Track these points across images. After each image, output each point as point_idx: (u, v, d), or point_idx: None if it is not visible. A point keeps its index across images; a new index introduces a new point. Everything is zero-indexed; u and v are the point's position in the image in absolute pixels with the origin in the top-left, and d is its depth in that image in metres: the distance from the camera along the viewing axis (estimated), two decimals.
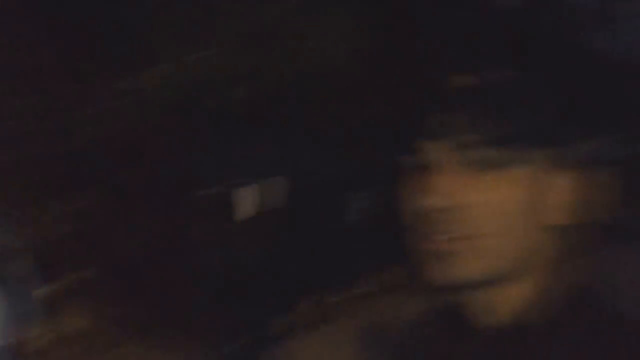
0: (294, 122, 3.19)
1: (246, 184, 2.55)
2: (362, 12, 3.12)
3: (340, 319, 3.29)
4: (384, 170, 3.51)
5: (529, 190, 0.57)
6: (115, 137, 2.45)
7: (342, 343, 3.00)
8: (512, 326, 0.60)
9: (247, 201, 2.53)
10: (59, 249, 2.50)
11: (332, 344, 3.00)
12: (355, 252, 3.27)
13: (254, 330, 2.99)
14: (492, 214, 0.56)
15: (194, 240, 2.51)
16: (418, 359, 0.72)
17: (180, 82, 2.64)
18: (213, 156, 2.64)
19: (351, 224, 3.24)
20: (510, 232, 0.57)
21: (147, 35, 2.66)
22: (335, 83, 3.20)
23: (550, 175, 0.58)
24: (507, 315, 0.60)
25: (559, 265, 0.60)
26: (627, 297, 0.54)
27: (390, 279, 4.31)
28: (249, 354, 2.93)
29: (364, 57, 3.32)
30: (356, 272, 3.63)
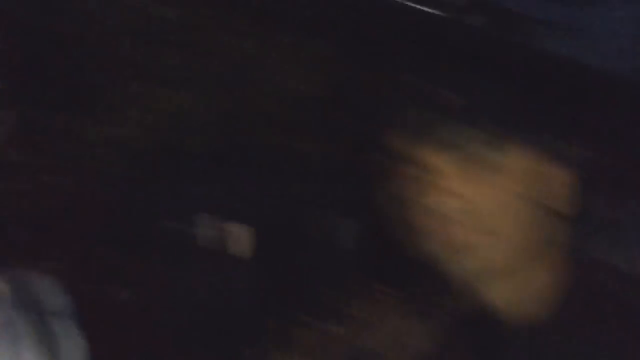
0: (266, 158, 3.18)
1: (232, 220, 2.54)
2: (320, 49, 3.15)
3: (339, 347, 3.22)
4: (368, 195, 3.47)
5: (528, 181, 0.55)
6: (96, 179, 2.45)
7: None
8: (529, 320, 0.56)
9: (235, 237, 2.51)
10: None
11: None
12: (350, 277, 3.22)
13: None
14: (498, 207, 0.54)
15: (187, 277, 2.48)
16: None
17: (153, 125, 2.63)
18: (194, 194, 2.62)
19: (344, 250, 3.20)
20: (517, 223, 0.54)
21: (118, 83, 2.65)
22: (299, 115, 3.21)
23: (544, 166, 0.57)
24: (523, 309, 0.57)
25: (567, 254, 0.57)
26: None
27: (389, 300, 4.22)
28: None
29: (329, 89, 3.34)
30: (351, 297, 3.56)
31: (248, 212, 2.65)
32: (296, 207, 3.01)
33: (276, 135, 3.17)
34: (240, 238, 2.52)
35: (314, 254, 3.12)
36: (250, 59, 2.93)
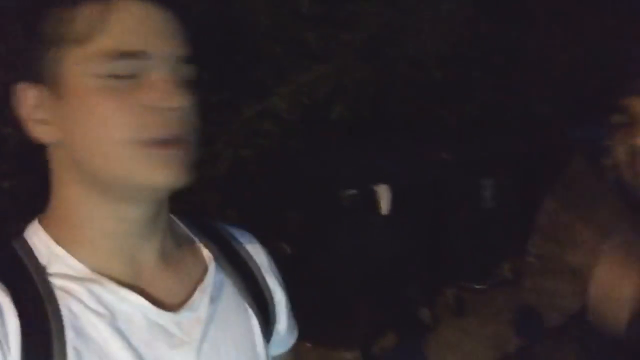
0: (414, 123, 3.23)
1: (380, 184, 2.67)
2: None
3: (482, 307, 3.26)
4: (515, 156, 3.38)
5: None
6: (262, 153, 2.70)
7: (485, 331, 2.98)
8: None
9: (384, 199, 2.64)
10: None
11: (475, 332, 3.00)
12: (492, 239, 3.23)
13: (398, 322, 3.08)
14: None
15: (342, 234, 2.68)
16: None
17: (305, 97, 2.81)
18: (346, 161, 2.79)
19: (486, 211, 3.21)
20: None
21: (268, 61, 2.85)
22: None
23: None
24: None
25: None
26: None
27: (528, 265, 4.11)
28: (398, 345, 3.03)
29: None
30: (495, 258, 3.55)
31: (393, 174, 2.77)
32: (439, 168, 3.07)
33: (415, 100, 3.23)
34: (387, 199, 2.65)
35: (456, 212, 3.17)
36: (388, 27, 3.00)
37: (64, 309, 0.57)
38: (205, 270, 0.66)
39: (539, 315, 3.22)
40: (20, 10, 0.58)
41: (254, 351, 0.68)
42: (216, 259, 0.68)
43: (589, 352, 0.79)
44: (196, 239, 0.69)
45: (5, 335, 0.54)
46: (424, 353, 2.82)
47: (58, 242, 0.61)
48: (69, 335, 0.56)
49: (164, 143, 0.56)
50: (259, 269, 0.72)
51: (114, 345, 0.58)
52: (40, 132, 0.59)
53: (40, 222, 0.63)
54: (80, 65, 0.56)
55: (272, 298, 0.72)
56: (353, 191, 2.50)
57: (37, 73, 0.57)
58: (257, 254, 0.73)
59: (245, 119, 2.84)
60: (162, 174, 0.56)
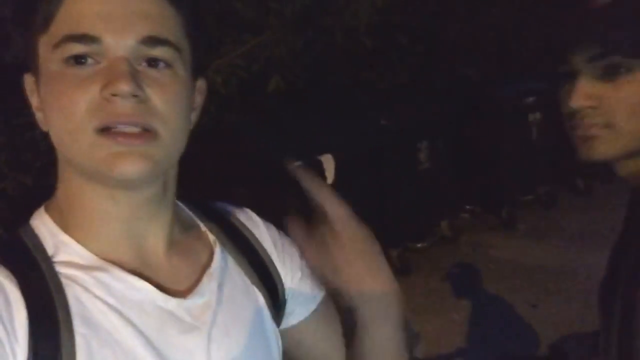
0: (346, 93, 3.26)
1: (325, 154, 2.69)
2: None
3: (425, 264, 3.40)
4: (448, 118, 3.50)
5: None
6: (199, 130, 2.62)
7: (429, 286, 3.12)
8: None
9: (329, 169, 2.67)
10: None
11: (420, 288, 3.14)
12: (430, 199, 3.36)
13: None
14: (621, 107, 0.70)
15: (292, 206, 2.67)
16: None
17: (240, 71, 2.76)
18: (287, 133, 2.78)
19: (422, 172, 3.33)
20: (635, 118, 0.71)
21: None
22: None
23: None
24: None
25: None
26: None
27: (467, 221, 4.31)
28: None
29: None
30: (433, 217, 3.70)
31: (334, 143, 2.79)
32: (378, 134, 3.13)
33: (348, 68, 3.25)
34: (332, 168, 2.67)
35: (395, 175, 3.24)
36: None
37: (71, 298, 0.56)
38: (211, 254, 0.66)
39: (475, 267, 3.42)
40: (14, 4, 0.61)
41: (263, 332, 0.69)
42: (221, 242, 0.68)
43: None
44: (201, 224, 0.69)
45: (12, 324, 0.53)
46: None
47: (64, 229, 0.60)
48: (77, 323, 0.55)
49: (118, 132, 0.54)
50: (261, 246, 0.72)
51: (124, 332, 0.57)
52: (38, 119, 0.60)
53: (46, 209, 0.62)
54: (46, 51, 0.56)
55: (279, 275, 0.72)
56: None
57: (29, 62, 0.58)
58: (258, 229, 0.73)
59: None
60: (118, 164, 0.55)
